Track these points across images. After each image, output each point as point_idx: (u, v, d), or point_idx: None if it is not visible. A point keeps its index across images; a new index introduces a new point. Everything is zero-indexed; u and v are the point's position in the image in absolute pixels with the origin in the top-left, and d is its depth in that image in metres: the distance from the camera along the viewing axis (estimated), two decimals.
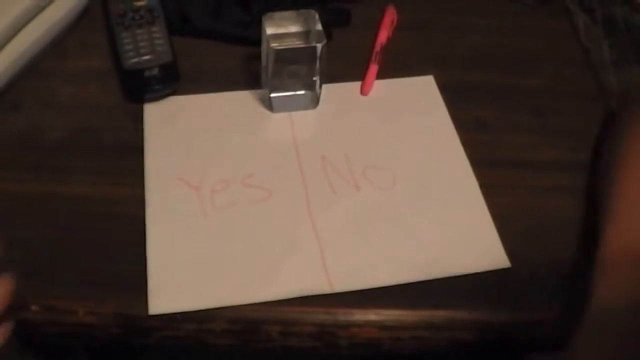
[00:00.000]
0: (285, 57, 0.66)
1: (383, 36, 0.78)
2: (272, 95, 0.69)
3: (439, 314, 0.58)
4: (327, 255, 0.60)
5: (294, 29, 0.67)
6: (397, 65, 0.76)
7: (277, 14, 0.67)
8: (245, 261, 0.59)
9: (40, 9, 0.72)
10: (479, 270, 0.60)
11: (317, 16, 0.67)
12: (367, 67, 0.75)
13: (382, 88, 0.74)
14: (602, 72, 0.84)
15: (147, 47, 0.69)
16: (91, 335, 0.56)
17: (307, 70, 0.68)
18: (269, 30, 0.66)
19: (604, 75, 0.84)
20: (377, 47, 0.77)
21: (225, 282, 0.57)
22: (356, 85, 0.74)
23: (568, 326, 0.57)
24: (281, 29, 0.66)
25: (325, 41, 0.65)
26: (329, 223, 0.62)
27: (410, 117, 0.72)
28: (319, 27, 0.66)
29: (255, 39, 0.76)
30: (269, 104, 0.70)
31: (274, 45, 0.65)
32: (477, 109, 0.73)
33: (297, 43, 0.66)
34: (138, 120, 0.69)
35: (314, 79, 0.69)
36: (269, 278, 0.58)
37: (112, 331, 0.56)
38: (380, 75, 0.75)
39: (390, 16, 0.80)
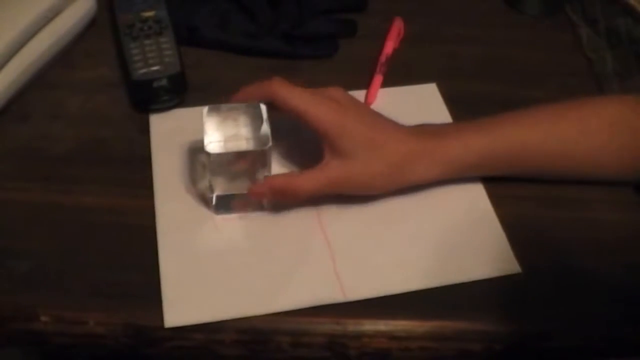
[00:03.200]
0: (225, 159, 0.60)
1: (389, 48, 0.78)
2: (216, 195, 0.62)
3: (448, 325, 0.58)
4: (339, 264, 0.60)
5: (238, 124, 0.61)
6: (402, 75, 0.77)
7: (216, 107, 0.61)
8: (258, 272, 0.59)
9: (48, 20, 0.72)
10: (490, 276, 0.60)
11: (265, 111, 0.60)
12: (371, 78, 0.76)
13: (385, 96, 0.75)
14: (605, 83, 0.85)
15: (155, 58, 0.69)
16: (101, 345, 0.56)
17: (253, 170, 0.61)
18: (209, 125, 0.59)
19: (607, 86, 0.85)
20: (382, 59, 0.77)
21: (238, 293, 0.58)
22: (360, 94, 0.75)
23: (575, 337, 0.58)
24: (224, 124, 0.60)
25: (270, 144, 0.59)
26: (340, 232, 0.63)
27: (412, 121, 0.72)
28: (266, 126, 0.59)
29: (262, 50, 0.76)
30: (212, 207, 0.63)
31: (211, 149, 0.58)
32: None
33: (238, 146, 0.59)
34: (146, 131, 0.69)
35: (260, 178, 0.61)
36: (282, 288, 0.58)
37: (122, 341, 0.56)
38: (385, 85, 0.76)
39: (398, 28, 0.81)
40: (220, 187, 0.62)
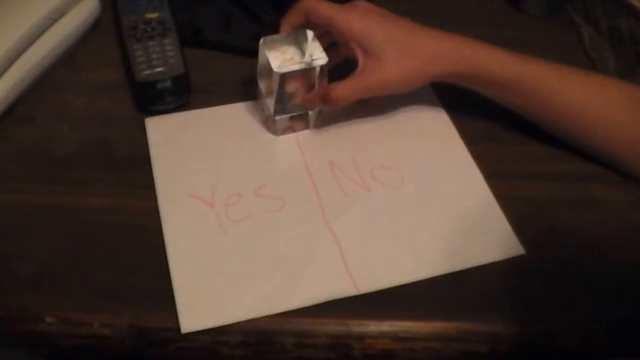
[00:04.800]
0: (287, 80, 0.66)
1: None
2: (276, 118, 0.69)
3: (452, 326, 0.58)
4: (348, 258, 0.61)
5: (290, 50, 0.67)
6: None
7: (270, 38, 0.67)
8: (269, 271, 0.60)
9: (53, 21, 0.72)
10: (495, 260, 0.61)
11: (311, 35, 0.68)
12: None
13: None
14: None
15: (159, 59, 0.70)
16: (106, 347, 0.57)
17: (308, 90, 0.68)
18: (269, 54, 0.66)
19: None
20: None
21: (251, 294, 0.58)
22: None
23: (580, 337, 0.58)
24: (278, 52, 0.66)
25: (326, 59, 0.66)
26: (346, 225, 0.63)
27: (409, 116, 0.74)
28: (317, 45, 0.67)
29: None
30: (272, 128, 0.70)
31: (277, 69, 0.65)
32: (487, 120, 0.73)
33: (298, 64, 0.66)
34: None
35: None
36: (295, 286, 0.59)
37: (127, 343, 0.56)
38: None
39: None
40: (280, 111, 0.68)
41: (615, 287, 0.61)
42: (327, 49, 0.67)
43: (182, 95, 0.71)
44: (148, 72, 0.69)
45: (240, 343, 0.56)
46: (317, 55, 0.66)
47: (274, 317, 0.57)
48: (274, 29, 0.69)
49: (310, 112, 0.70)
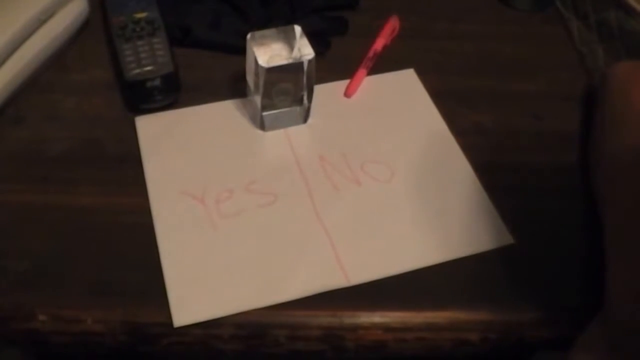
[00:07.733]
0: (274, 75, 0.66)
1: (379, 44, 0.79)
2: (264, 114, 0.69)
3: (443, 315, 0.58)
4: (339, 251, 0.61)
5: (278, 46, 0.67)
6: (391, 71, 0.77)
7: (258, 33, 0.67)
8: (261, 265, 0.60)
9: (42, 22, 0.72)
10: (485, 250, 0.62)
11: (300, 30, 0.68)
12: (355, 71, 0.76)
13: (366, 85, 0.76)
14: (596, 76, 0.85)
15: (148, 58, 0.70)
16: (99, 343, 0.57)
17: (295, 86, 0.68)
18: (256, 49, 0.66)
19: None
20: (370, 54, 0.78)
21: (243, 287, 0.58)
22: (342, 84, 0.76)
23: (570, 325, 0.58)
24: (266, 48, 0.66)
25: (313, 55, 0.66)
26: (337, 219, 0.64)
27: (398, 110, 0.74)
28: (305, 41, 0.67)
29: None
30: (260, 124, 0.70)
31: (264, 64, 0.65)
32: (476, 114, 0.74)
33: (286, 59, 0.66)
34: None
35: (303, 93, 0.69)
36: (286, 279, 0.59)
37: (120, 339, 0.56)
38: None
39: (392, 25, 0.81)
40: (267, 106, 0.68)
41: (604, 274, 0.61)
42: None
43: (171, 93, 0.71)
44: (137, 71, 0.69)
45: (233, 336, 0.57)
46: (306, 51, 0.66)
47: (267, 309, 0.57)
48: (262, 27, 0.69)
49: (298, 108, 0.70)
